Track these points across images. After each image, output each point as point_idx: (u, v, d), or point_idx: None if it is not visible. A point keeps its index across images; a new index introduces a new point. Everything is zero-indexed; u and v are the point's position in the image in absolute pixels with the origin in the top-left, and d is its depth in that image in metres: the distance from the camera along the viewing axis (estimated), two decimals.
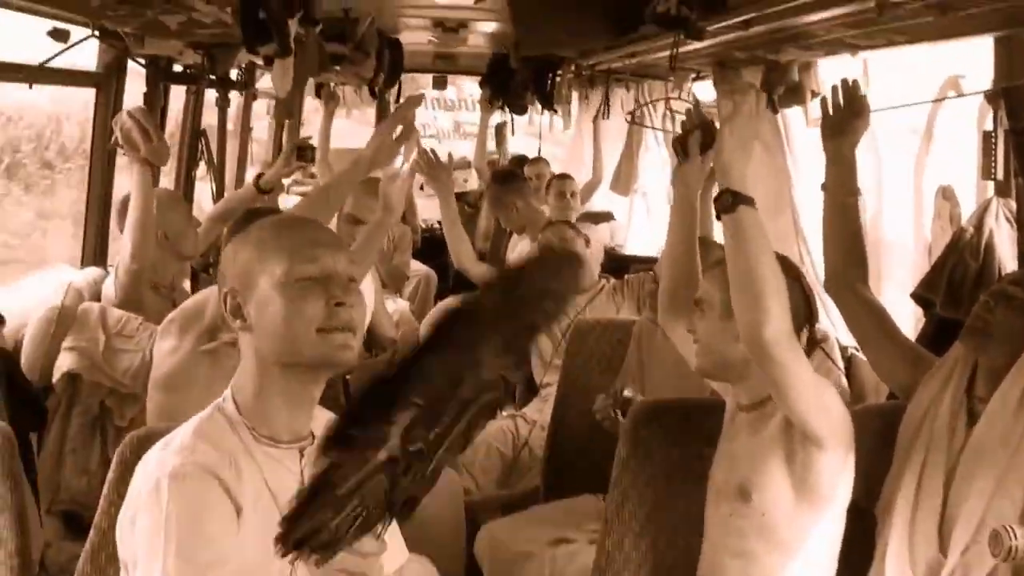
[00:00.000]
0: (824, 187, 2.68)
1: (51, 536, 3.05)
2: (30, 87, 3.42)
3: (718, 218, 2.14)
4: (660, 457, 2.57)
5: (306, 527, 1.44)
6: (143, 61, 4.22)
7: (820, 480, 2.21)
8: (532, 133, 8.89)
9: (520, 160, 7.40)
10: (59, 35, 3.34)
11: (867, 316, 2.61)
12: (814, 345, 2.41)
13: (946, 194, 2.98)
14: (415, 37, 6.27)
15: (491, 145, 8.22)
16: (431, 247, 8.12)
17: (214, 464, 1.72)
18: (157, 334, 2.87)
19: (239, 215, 3.25)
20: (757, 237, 2.11)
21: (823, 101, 2.71)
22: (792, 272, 2.36)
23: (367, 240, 3.16)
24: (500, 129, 8.39)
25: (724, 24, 2.70)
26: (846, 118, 2.64)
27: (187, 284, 4.25)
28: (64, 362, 3.17)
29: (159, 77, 4.26)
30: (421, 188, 8.33)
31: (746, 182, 2.14)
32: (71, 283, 3.41)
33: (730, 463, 2.37)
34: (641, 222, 6.72)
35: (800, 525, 2.24)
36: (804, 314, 2.34)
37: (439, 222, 8.55)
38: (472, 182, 8.20)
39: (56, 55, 3.39)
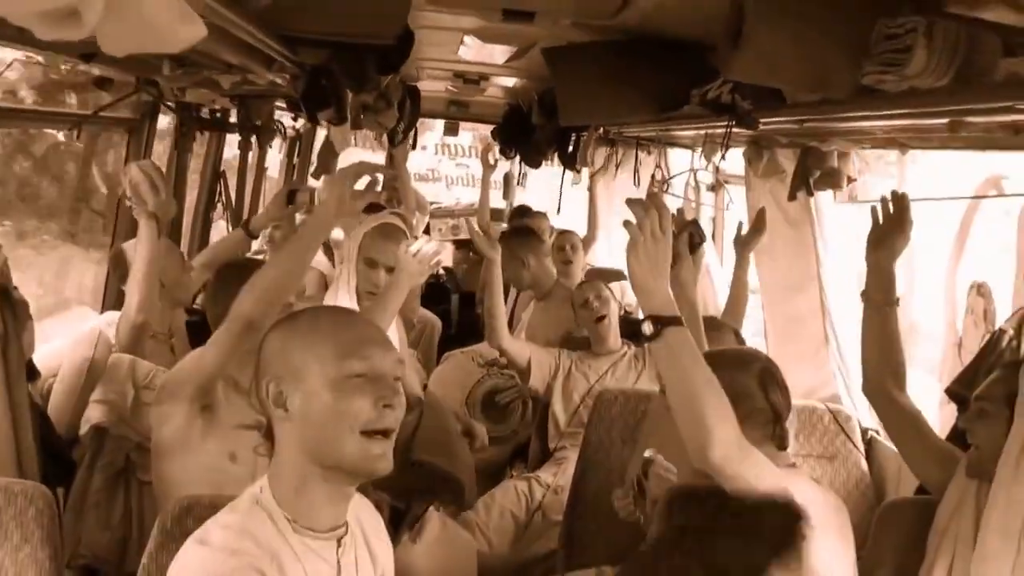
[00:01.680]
0: (863, 295, 2.73)
1: None
2: (77, 137, 3.43)
3: (648, 340, 2.11)
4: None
5: None
6: (173, 106, 4.23)
7: (812, 566, 2.19)
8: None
9: (521, 211, 7.38)
10: (103, 83, 3.36)
11: (902, 419, 2.68)
12: (784, 439, 2.42)
13: (981, 291, 3.01)
14: (434, 86, 6.30)
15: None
16: (435, 293, 8.14)
17: (259, 564, 1.72)
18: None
19: (224, 263, 3.26)
20: (688, 356, 2.08)
21: (873, 210, 2.75)
22: (756, 370, 2.41)
23: (381, 302, 3.17)
24: (508, 179, 8.41)
25: (777, 119, 2.73)
26: (890, 231, 2.69)
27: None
28: (92, 415, 3.15)
29: (191, 123, 4.26)
30: (426, 232, 8.37)
31: (667, 302, 2.10)
32: (101, 332, 3.39)
33: None
34: None
35: None
36: (768, 416, 2.39)
37: (444, 268, 8.63)
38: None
39: (108, 105, 3.40)
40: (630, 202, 2.12)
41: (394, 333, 3.74)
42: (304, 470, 1.81)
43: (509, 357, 4.37)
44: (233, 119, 5.06)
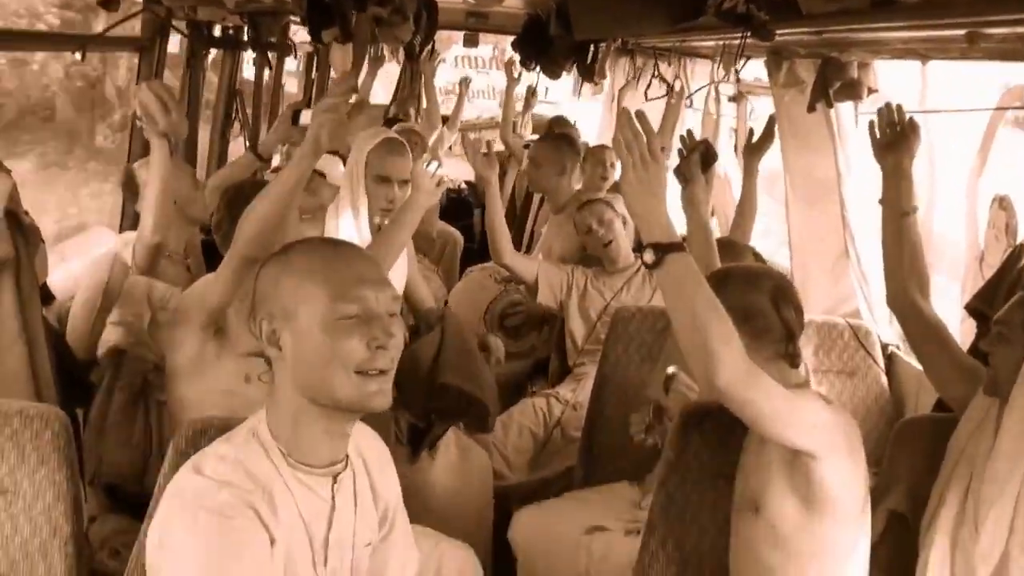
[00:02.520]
0: (882, 202, 2.67)
1: (94, 509, 3.07)
2: (82, 58, 3.39)
3: (650, 268, 2.06)
4: (708, 460, 2.57)
5: None
6: (184, 26, 4.17)
7: (824, 489, 2.20)
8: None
9: (559, 121, 7.23)
10: (109, 3, 3.30)
11: (925, 331, 2.63)
12: (797, 358, 2.39)
13: (1003, 204, 2.95)
14: None
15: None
16: (457, 208, 8.10)
17: (251, 498, 1.73)
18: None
19: (226, 187, 3.24)
20: (692, 283, 2.04)
21: (870, 124, 2.69)
22: (768, 287, 2.37)
23: (398, 221, 3.15)
24: (530, 91, 8.29)
25: (794, 30, 2.66)
26: (898, 137, 2.63)
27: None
28: (110, 337, 3.17)
29: (201, 42, 4.21)
30: (450, 148, 8.29)
31: (666, 228, 2.05)
32: (117, 255, 3.40)
33: (744, 475, 2.40)
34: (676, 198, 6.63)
35: (813, 535, 2.24)
36: (780, 334, 2.35)
37: (466, 182, 8.58)
38: (499, 144, 8.13)
39: (113, 26, 3.34)
40: (619, 119, 2.06)
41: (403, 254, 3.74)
42: (299, 406, 1.80)
43: (515, 273, 4.35)
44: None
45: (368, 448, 2.00)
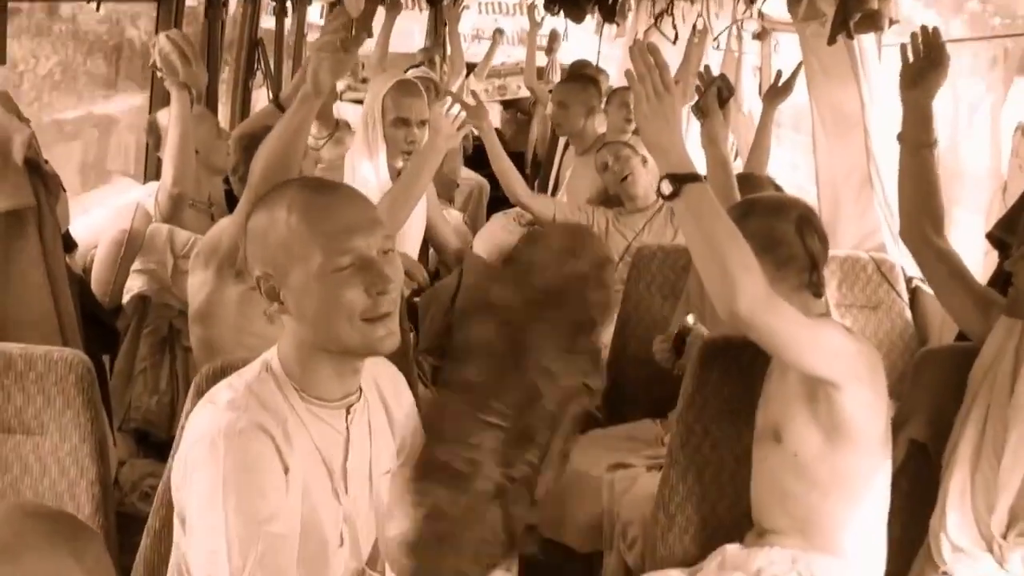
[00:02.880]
0: (900, 137, 2.63)
1: (124, 454, 3.13)
2: (97, 8, 3.40)
3: (668, 199, 2.05)
4: (727, 393, 2.58)
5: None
6: None
7: (846, 418, 2.21)
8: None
9: (584, 64, 7.16)
10: None
11: (941, 264, 2.61)
12: (821, 287, 2.38)
13: None
14: None
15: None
16: (484, 155, 8.04)
17: (265, 424, 1.74)
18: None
19: (248, 132, 3.25)
20: (710, 212, 2.04)
21: (903, 48, 2.64)
22: (793, 216, 2.36)
23: (416, 166, 3.15)
24: (554, 36, 8.22)
25: None
26: (924, 68, 2.58)
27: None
28: (134, 284, 3.21)
29: None
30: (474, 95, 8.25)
31: (682, 158, 2.04)
32: (139, 203, 3.43)
33: (766, 404, 2.40)
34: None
35: (834, 463, 2.25)
36: (805, 263, 2.34)
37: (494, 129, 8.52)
38: (525, 89, 8.07)
39: None
40: (632, 52, 2.05)
41: (423, 199, 3.74)
42: (308, 351, 1.81)
43: (533, 213, 4.32)
44: None
45: (382, 376, 2.00)
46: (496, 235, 5.26)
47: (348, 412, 1.87)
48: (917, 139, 2.60)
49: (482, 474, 1.41)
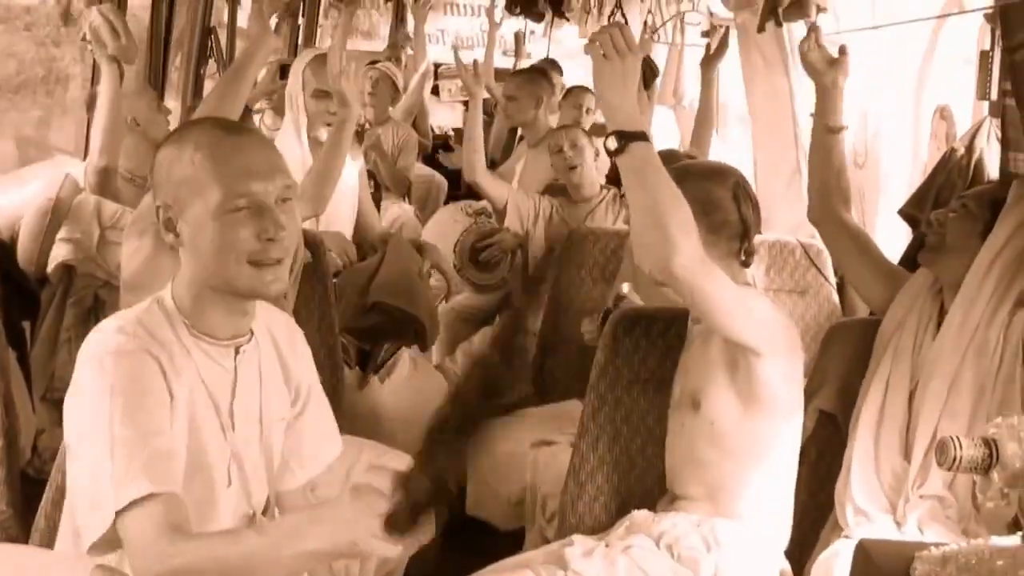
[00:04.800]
0: (813, 115, 2.68)
1: (44, 423, 3.13)
2: None
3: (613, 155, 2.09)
4: (637, 364, 2.60)
5: None
6: None
7: (764, 388, 2.25)
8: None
9: (551, 63, 7.19)
10: None
11: (846, 238, 2.66)
12: (750, 256, 2.41)
13: (943, 114, 2.96)
14: None
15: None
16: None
17: (152, 348, 1.77)
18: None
19: (186, 122, 3.27)
20: (653, 172, 2.07)
21: (801, 45, 2.70)
22: (730, 183, 2.39)
23: (333, 140, 3.20)
24: (517, 37, 8.25)
25: None
26: (829, 60, 2.64)
27: None
28: (59, 253, 3.21)
29: None
30: (435, 93, 8.26)
31: (633, 117, 2.07)
32: (68, 174, 3.43)
33: (684, 373, 2.43)
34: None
35: (750, 432, 2.29)
36: (737, 230, 2.37)
37: (454, 130, 8.55)
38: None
39: None
40: (593, 36, 2.10)
41: (354, 181, 3.79)
42: (199, 287, 1.84)
43: (485, 193, 4.35)
44: None
45: (277, 326, 2.02)
46: (445, 224, 5.30)
47: (237, 352, 1.89)
48: (824, 122, 2.65)
49: None
